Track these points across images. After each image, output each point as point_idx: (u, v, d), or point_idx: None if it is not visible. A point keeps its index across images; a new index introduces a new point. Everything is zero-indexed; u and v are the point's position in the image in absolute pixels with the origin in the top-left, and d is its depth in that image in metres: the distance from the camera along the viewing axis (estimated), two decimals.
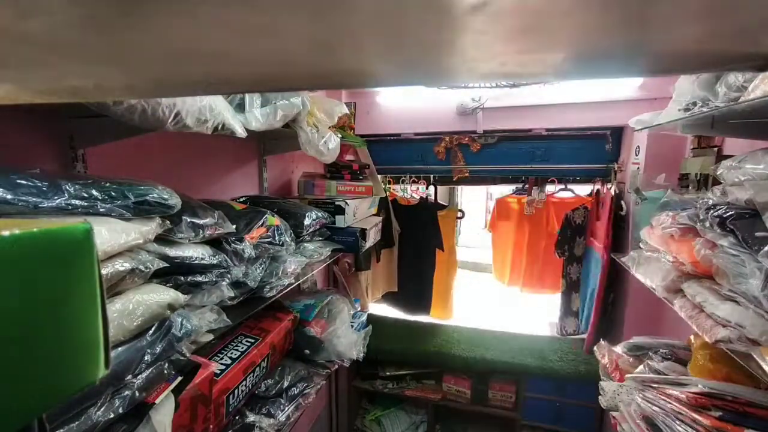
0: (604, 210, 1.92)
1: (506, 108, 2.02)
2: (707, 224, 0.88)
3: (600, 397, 1.21)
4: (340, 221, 1.61)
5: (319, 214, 1.47)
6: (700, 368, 0.98)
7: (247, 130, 0.97)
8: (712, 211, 0.87)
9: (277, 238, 1.15)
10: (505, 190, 2.91)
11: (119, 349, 0.65)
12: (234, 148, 1.48)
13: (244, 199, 1.42)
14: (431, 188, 2.45)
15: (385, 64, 0.27)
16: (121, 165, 1.01)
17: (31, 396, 0.26)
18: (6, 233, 0.24)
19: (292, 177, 1.94)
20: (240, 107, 1.00)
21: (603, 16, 0.19)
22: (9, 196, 0.55)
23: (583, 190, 2.28)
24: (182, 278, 0.83)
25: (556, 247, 2.13)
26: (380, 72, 0.29)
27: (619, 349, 1.36)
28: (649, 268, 1.18)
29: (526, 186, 2.34)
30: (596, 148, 2.03)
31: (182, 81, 0.32)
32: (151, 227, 0.72)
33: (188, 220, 0.84)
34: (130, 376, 0.66)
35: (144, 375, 0.69)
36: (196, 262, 0.85)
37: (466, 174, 2.26)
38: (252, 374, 1.16)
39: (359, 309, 2.06)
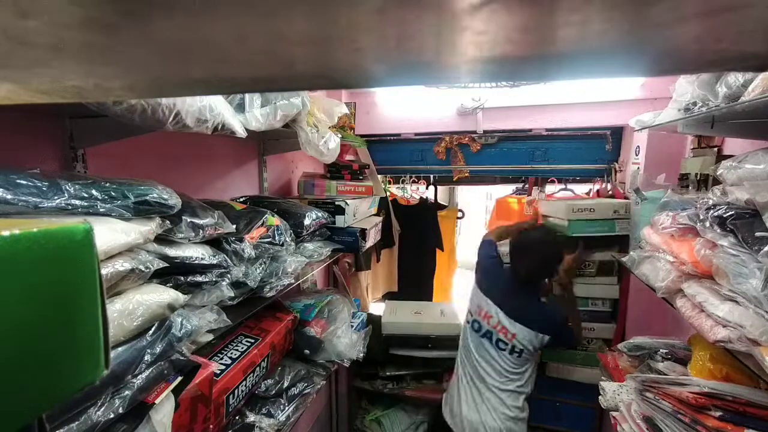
0: None
1: (506, 108, 2.02)
2: (707, 224, 0.87)
3: (600, 397, 1.21)
4: (340, 221, 1.61)
5: (319, 214, 1.47)
6: (700, 368, 0.98)
7: (247, 130, 0.97)
8: (712, 211, 0.87)
9: (277, 238, 1.15)
10: (505, 190, 2.91)
11: (119, 349, 0.65)
12: (234, 148, 1.48)
13: (244, 199, 1.42)
14: (431, 188, 2.45)
15: (384, 64, 0.27)
16: (121, 165, 1.01)
17: (31, 396, 0.26)
18: (6, 233, 0.24)
19: (292, 177, 1.94)
20: (240, 107, 1.00)
21: (603, 16, 0.19)
22: (9, 196, 0.55)
23: (583, 190, 2.28)
24: (182, 278, 0.83)
25: None
26: (380, 72, 0.29)
27: (619, 348, 1.36)
28: (649, 268, 1.18)
29: (526, 186, 2.34)
30: (596, 148, 2.03)
31: (182, 81, 0.32)
32: (151, 227, 0.72)
33: (188, 220, 0.84)
34: (130, 376, 0.66)
35: (144, 375, 0.69)
36: (196, 262, 0.85)
37: (466, 174, 2.26)
38: (252, 374, 1.16)
39: (359, 309, 2.06)
